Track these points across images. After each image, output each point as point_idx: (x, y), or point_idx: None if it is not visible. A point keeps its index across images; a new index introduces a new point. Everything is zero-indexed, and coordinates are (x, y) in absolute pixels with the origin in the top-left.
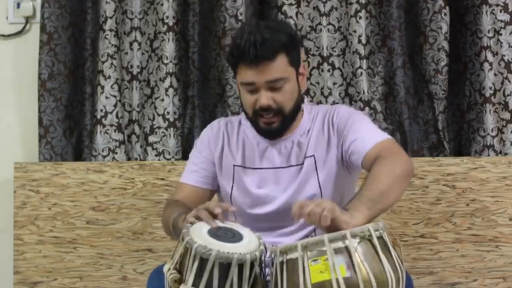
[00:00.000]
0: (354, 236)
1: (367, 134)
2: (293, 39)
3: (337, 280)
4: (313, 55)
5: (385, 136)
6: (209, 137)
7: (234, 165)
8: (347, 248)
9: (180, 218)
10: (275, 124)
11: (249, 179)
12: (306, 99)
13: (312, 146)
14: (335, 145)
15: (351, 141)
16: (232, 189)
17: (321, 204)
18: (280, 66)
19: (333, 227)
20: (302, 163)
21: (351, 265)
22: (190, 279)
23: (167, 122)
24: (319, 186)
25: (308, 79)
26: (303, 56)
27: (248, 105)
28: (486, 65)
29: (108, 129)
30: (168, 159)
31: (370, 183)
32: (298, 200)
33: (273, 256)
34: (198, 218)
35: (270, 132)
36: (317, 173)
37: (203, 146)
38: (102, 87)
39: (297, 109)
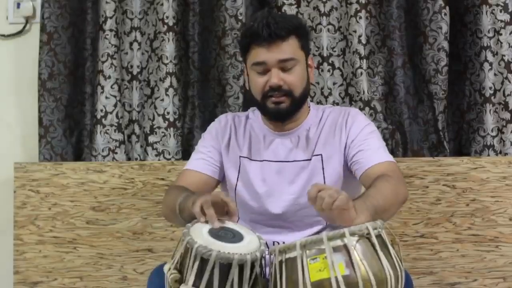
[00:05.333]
0: (352, 234)
1: (375, 149)
2: (304, 27)
3: (336, 278)
4: (313, 55)
5: (390, 157)
6: (216, 129)
7: (240, 156)
8: (345, 246)
9: (189, 200)
10: (283, 105)
11: (254, 171)
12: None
13: (321, 144)
14: (343, 149)
15: (358, 151)
16: (237, 181)
17: (339, 192)
18: (291, 47)
19: (340, 217)
20: (309, 159)
21: (350, 263)
22: (191, 279)
23: (167, 122)
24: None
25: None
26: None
27: (257, 88)
28: (486, 65)
29: (108, 129)
30: (168, 159)
31: (377, 194)
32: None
33: (272, 255)
34: (203, 211)
35: (278, 113)
36: (323, 173)
37: (210, 136)
38: (102, 87)
39: (305, 96)
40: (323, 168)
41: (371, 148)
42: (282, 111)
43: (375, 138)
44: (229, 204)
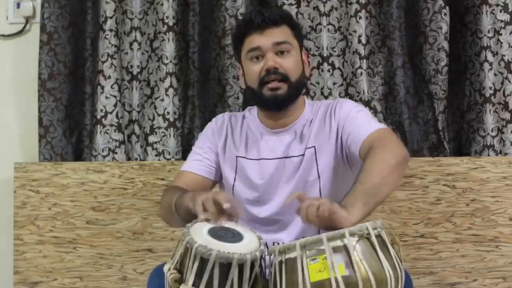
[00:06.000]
0: (352, 234)
1: (362, 125)
2: (295, 21)
3: (336, 278)
4: (313, 55)
5: (378, 125)
6: (213, 129)
7: (237, 156)
8: (345, 247)
9: (186, 197)
10: (280, 91)
11: (252, 169)
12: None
13: (313, 136)
14: (334, 137)
15: (349, 133)
16: (234, 180)
17: (320, 199)
18: (285, 33)
19: (331, 222)
20: (303, 154)
21: (350, 263)
22: (191, 279)
23: (167, 122)
24: (318, 175)
25: (308, 79)
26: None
27: (254, 76)
28: (486, 65)
29: (108, 129)
30: (168, 159)
31: (364, 176)
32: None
33: (272, 256)
34: (205, 209)
35: (276, 99)
36: (316, 163)
37: (206, 137)
38: (102, 87)
39: (301, 85)
40: (316, 159)
41: (357, 126)
42: (279, 97)
43: (362, 115)
44: (231, 207)
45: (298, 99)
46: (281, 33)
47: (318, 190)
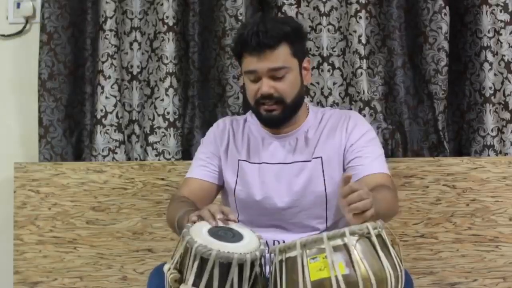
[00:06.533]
0: (352, 233)
1: (373, 158)
2: (297, 32)
3: (336, 277)
4: (313, 55)
5: (386, 170)
6: (215, 134)
7: (239, 160)
8: (346, 246)
9: (185, 218)
10: (275, 112)
11: (252, 173)
12: (306, 99)
13: (321, 147)
14: (342, 151)
15: (356, 156)
16: (236, 184)
17: (368, 194)
18: (282, 55)
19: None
20: (309, 161)
21: (350, 262)
22: (190, 279)
23: (167, 122)
24: (325, 188)
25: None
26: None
27: (250, 95)
28: (486, 65)
29: (108, 129)
30: (168, 159)
31: (382, 201)
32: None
33: (272, 255)
34: (200, 218)
35: (271, 120)
36: (323, 175)
37: (209, 142)
38: (102, 87)
39: (299, 101)
40: (323, 171)
41: (369, 156)
42: (275, 118)
43: (374, 146)
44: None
45: (300, 108)
46: (278, 57)
47: (324, 202)
